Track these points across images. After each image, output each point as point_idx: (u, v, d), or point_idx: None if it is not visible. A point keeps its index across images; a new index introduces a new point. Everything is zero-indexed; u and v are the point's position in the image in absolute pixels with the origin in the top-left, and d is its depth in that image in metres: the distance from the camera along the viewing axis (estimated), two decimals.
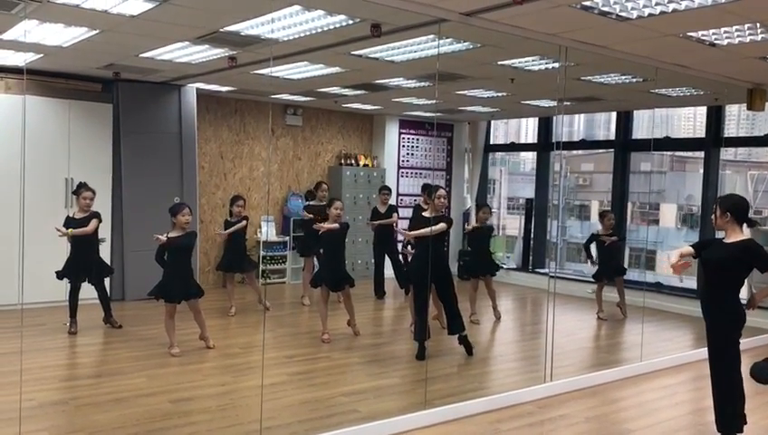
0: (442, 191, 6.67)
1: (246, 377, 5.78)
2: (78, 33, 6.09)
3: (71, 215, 7.33)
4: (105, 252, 8.80)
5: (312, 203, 9.33)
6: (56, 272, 7.24)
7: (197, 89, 9.52)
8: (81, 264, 7.23)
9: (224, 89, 9.56)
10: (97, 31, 5.97)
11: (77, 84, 8.72)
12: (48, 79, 8.46)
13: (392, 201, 11.81)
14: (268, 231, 10.55)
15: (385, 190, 10.00)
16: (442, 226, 6.42)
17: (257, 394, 4.93)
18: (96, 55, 7.23)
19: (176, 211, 6.49)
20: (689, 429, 5.10)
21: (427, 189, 7.18)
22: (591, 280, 11.06)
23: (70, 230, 6.97)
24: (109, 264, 7.93)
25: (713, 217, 4.59)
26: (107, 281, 7.67)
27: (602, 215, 9.24)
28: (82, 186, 7.27)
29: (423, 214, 6.78)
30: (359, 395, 5.42)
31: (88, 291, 7.55)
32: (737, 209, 4.47)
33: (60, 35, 6.23)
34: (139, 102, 9.09)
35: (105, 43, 6.47)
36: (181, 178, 9.38)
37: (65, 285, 7.41)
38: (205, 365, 6.16)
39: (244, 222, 8.23)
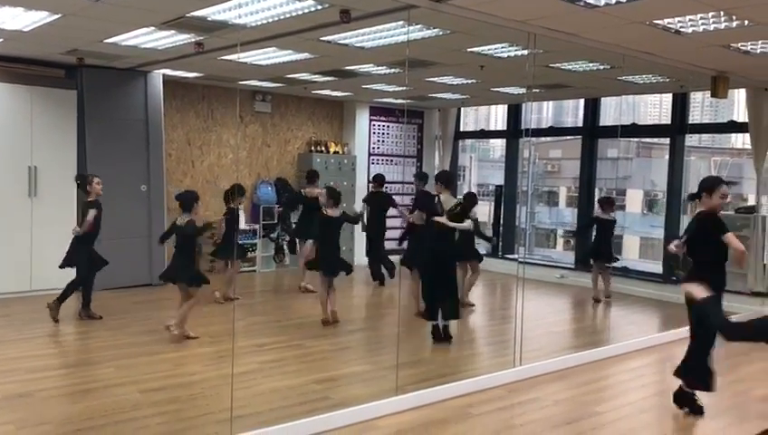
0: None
1: (217, 366, 5.74)
2: (39, 17, 5.94)
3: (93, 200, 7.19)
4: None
5: (307, 190, 9.27)
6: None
7: (164, 75, 9.37)
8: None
9: (191, 75, 9.43)
10: (59, 15, 5.83)
11: (39, 70, 8.50)
12: (8, 64, 8.23)
13: (365, 189, 11.84)
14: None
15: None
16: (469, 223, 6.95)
17: (228, 383, 4.89)
18: (58, 40, 7.06)
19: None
20: (655, 410, 5.21)
21: (445, 176, 7.14)
22: (559, 265, 11.27)
23: None
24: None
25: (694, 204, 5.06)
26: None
27: (605, 200, 9.36)
28: (87, 175, 7.26)
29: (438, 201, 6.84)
30: (330, 382, 5.43)
31: (52, 281, 7.42)
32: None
33: (20, 19, 6.07)
34: (104, 89, 8.91)
35: (67, 27, 6.33)
36: (148, 165, 9.24)
37: (30, 275, 7.28)
38: (175, 355, 6.10)
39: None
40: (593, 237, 9.45)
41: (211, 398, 4.98)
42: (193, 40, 6.72)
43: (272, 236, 10.89)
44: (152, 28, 6.29)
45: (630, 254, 13.31)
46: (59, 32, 6.54)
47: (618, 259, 9.45)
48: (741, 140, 12.61)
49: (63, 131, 8.64)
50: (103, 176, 8.72)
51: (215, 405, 4.80)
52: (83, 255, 7.13)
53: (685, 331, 7.38)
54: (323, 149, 11.65)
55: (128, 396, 4.96)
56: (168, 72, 9.18)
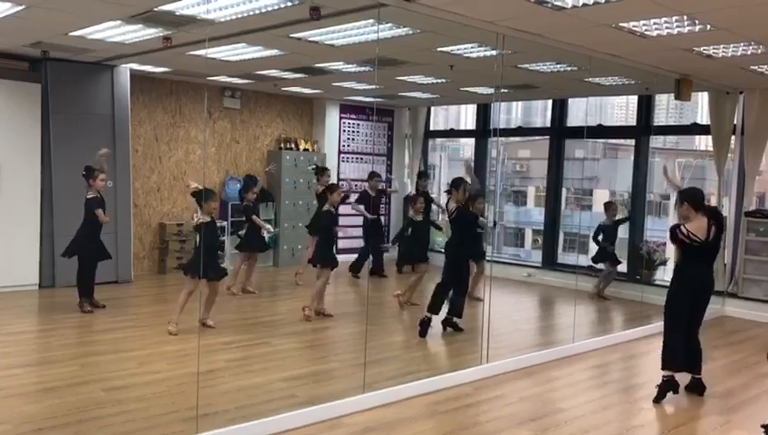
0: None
1: (183, 364, 5.69)
2: (1, 8, 5.81)
3: (94, 196, 7.36)
4: (35, 237, 8.51)
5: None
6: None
7: (131, 69, 9.24)
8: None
9: (158, 70, 9.31)
10: (22, 7, 5.71)
11: (2, 62, 8.32)
12: None
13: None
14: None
15: (378, 176, 10.56)
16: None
17: (194, 381, 4.86)
18: (22, 33, 6.92)
19: (207, 198, 6.75)
20: (618, 406, 5.30)
21: (461, 184, 7.18)
22: (527, 264, 11.39)
23: None
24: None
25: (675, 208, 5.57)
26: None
27: (608, 205, 9.59)
28: (94, 170, 7.36)
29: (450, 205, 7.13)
30: (297, 380, 5.41)
31: (16, 278, 7.27)
32: (691, 199, 5.36)
33: None
34: (70, 83, 8.75)
35: (31, 19, 6.20)
36: (114, 160, 9.08)
37: None
38: (140, 353, 6.03)
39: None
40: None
41: (176, 396, 4.93)
42: (161, 34, 6.64)
43: (240, 233, 10.80)
44: (119, 22, 6.20)
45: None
46: (23, 23, 6.40)
47: (620, 262, 9.58)
48: (704, 143, 12.87)
49: (27, 125, 8.47)
50: (68, 171, 8.65)
51: (180, 403, 4.76)
52: (86, 246, 7.38)
53: (647, 328, 7.58)
54: (293, 146, 11.60)
55: (91, 394, 4.89)
56: (136, 66, 9.05)
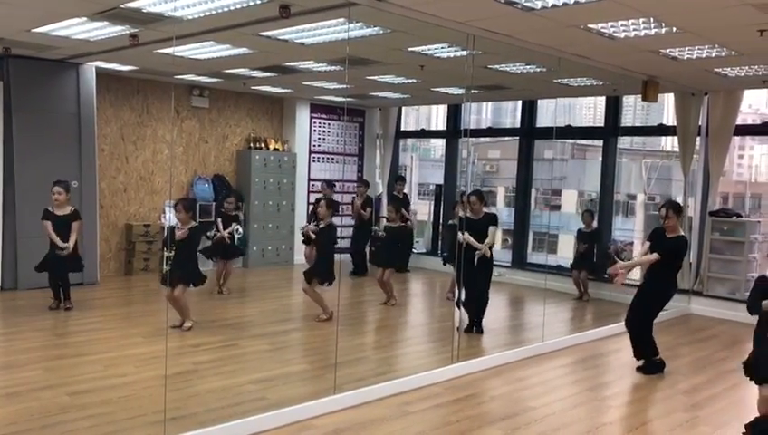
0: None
1: (150, 367, 5.59)
2: None
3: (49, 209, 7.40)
4: None
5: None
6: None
7: (97, 67, 9.07)
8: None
9: (125, 68, 9.15)
10: None
11: None
12: None
13: (305, 188, 11.84)
14: (170, 217, 10.17)
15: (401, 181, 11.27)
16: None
17: (161, 384, 4.77)
18: None
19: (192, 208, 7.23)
20: (587, 404, 5.35)
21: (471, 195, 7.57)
22: (497, 263, 11.43)
23: None
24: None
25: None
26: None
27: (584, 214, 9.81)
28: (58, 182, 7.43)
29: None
30: (267, 382, 5.36)
31: None
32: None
33: None
34: (33, 80, 8.56)
35: None
36: (79, 160, 8.94)
37: None
38: (106, 356, 5.91)
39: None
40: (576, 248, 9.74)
41: (143, 399, 4.85)
42: (127, 32, 6.53)
43: (208, 234, 10.68)
44: (84, 19, 6.07)
45: (565, 252, 13.64)
46: None
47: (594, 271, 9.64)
48: (670, 143, 13.08)
49: None
50: (32, 171, 8.48)
51: (147, 407, 4.67)
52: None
53: (615, 327, 7.68)
54: (263, 145, 11.51)
55: (56, 399, 4.78)
56: (102, 64, 8.89)
